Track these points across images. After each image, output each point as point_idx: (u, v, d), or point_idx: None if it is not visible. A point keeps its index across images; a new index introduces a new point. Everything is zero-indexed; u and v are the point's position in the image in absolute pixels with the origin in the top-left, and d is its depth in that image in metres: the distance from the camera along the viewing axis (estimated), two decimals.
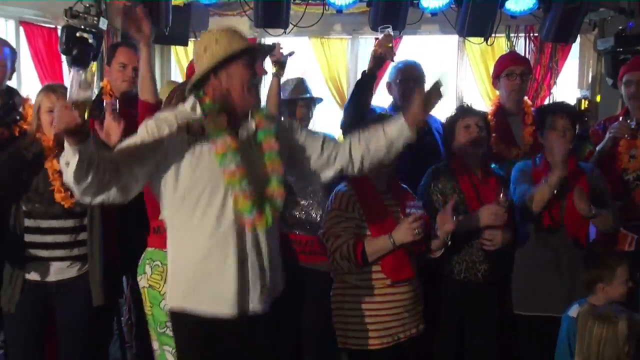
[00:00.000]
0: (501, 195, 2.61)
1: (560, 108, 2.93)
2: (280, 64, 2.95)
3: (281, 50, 2.95)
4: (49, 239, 2.56)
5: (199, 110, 2.05)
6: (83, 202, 1.92)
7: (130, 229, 2.71)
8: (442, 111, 2.97)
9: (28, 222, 2.55)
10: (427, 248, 2.59)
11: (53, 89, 2.59)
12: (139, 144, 1.95)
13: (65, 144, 1.73)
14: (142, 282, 2.51)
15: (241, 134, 2.08)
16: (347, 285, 2.56)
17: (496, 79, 3.46)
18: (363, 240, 2.47)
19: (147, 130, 1.98)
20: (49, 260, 2.56)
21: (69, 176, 1.77)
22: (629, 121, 3.37)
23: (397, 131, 2.16)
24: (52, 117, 2.47)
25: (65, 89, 2.60)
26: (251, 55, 2.06)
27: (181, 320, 2.12)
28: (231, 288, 2.02)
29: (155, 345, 2.54)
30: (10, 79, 3.09)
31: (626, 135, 3.33)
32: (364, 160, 2.21)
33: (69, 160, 1.74)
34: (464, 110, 2.86)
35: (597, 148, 3.39)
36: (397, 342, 2.55)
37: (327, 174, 2.26)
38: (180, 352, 2.17)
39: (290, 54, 2.99)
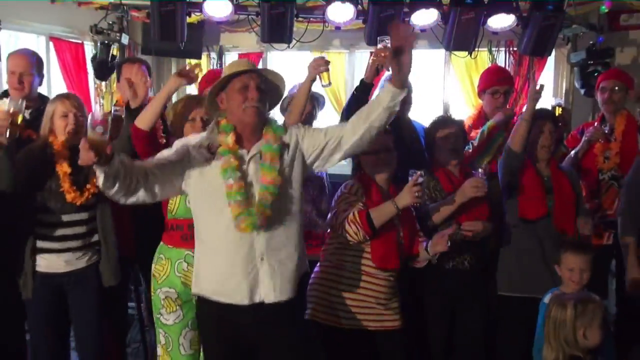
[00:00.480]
0: (480, 169, 2.61)
1: (545, 114, 2.96)
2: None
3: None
4: (66, 231, 2.55)
5: (217, 131, 2.12)
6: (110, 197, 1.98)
7: (147, 225, 2.70)
8: (428, 119, 2.98)
9: (44, 217, 2.54)
10: (416, 254, 2.58)
11: (67, 96, 2.62)
12: (167, 157, 2.08)
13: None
14: (152, 269, 2.54)
15: (253, 150, 2.11)
16: (331, 265, 2.55)
17: (481, 92, 3.47)
18: (366, 210, 2.43)
19: (177, 145, 2.11)
20: (61, 252, 2.55)
21: (100, 185, 1.91)
22: (603, 126, 3.38)
23: (389, 96, 2.05)
24: (66, 122, 2.53)
25: (77, 97, 2.63)
26: (243, 80, 2.06)
27: (204, 306, 2.17)
28: (242, 282, 2.06)
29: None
30: (40, 84, 3.08)
31: (600, 139, 3.34)
32: (371, 130, 2.10)
33: (98, 176, 1.88)
34: (443, 121, 2.88)
35: (574, 151, 3.40)
36: (365, 329, 2.51)
37: (335, 157, 2.18)
38: (203, 334, 2.23)
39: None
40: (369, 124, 2.07)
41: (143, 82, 2.71)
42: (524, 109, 2.83)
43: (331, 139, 2.14)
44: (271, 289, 2.07)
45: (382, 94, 2.07)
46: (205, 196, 2.10)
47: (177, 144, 2.13)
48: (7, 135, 2.31)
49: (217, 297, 2.10)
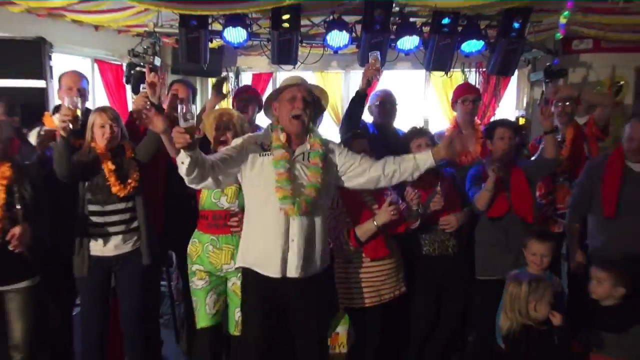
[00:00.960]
0: (438, 187, 2.69)
1: (505, 122, 2.99)
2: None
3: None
4: (112, 218, 2.60)
5: (271, 131, 2.24)
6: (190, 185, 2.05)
7: (179, 216, 2.76)
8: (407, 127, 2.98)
9: (93, 207, 2.58)
10: (407, 228, 2.62)
11: (104, 109, 2.62)
12: (228, 152, 2.17)
13: (181, 151, 1.92)
14: (188, 249, 2.60)
15: (298, 151, 2.23)
16: (347, 261, 2.61)
17: (454, 103, 3.50)
18: (354, 227, 2.52)
19: (237, 143, 2.21)
20: (111, 235, 2.59)
21: (181, 171, 1.98)
22: (555, 135, 3.42)
23: (424, 158, 2.23)
24: (104, 131, 2.56)
25: (113, 110, 2.65)
26: (293, 92, 2.19)
27: (247, 275, 2.29)
28: (277, 258, 2.18)
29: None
30: (87, 100, 3.16)
31: None
32: (395, 174, 2.26)
33: (183, 161, 1.94)
34: (416, 132, 2.84)
35: (533, 158, 3.44)
36: (383, 301, 2.59)
37: (359, 180, 2.31)
38: (245, 299, 2.34)
39: None
40: (399, 168, 2.25)
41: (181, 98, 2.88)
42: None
43: (365, 164, 2.27)
44: (296, 267, 2.19)
45: (422, 153, 2.27)
46: (255, 186, 2.19)
47: (235, 142, 2.23)
48: (70, 127, 2.36)
49: (258, 269, 2.23)
